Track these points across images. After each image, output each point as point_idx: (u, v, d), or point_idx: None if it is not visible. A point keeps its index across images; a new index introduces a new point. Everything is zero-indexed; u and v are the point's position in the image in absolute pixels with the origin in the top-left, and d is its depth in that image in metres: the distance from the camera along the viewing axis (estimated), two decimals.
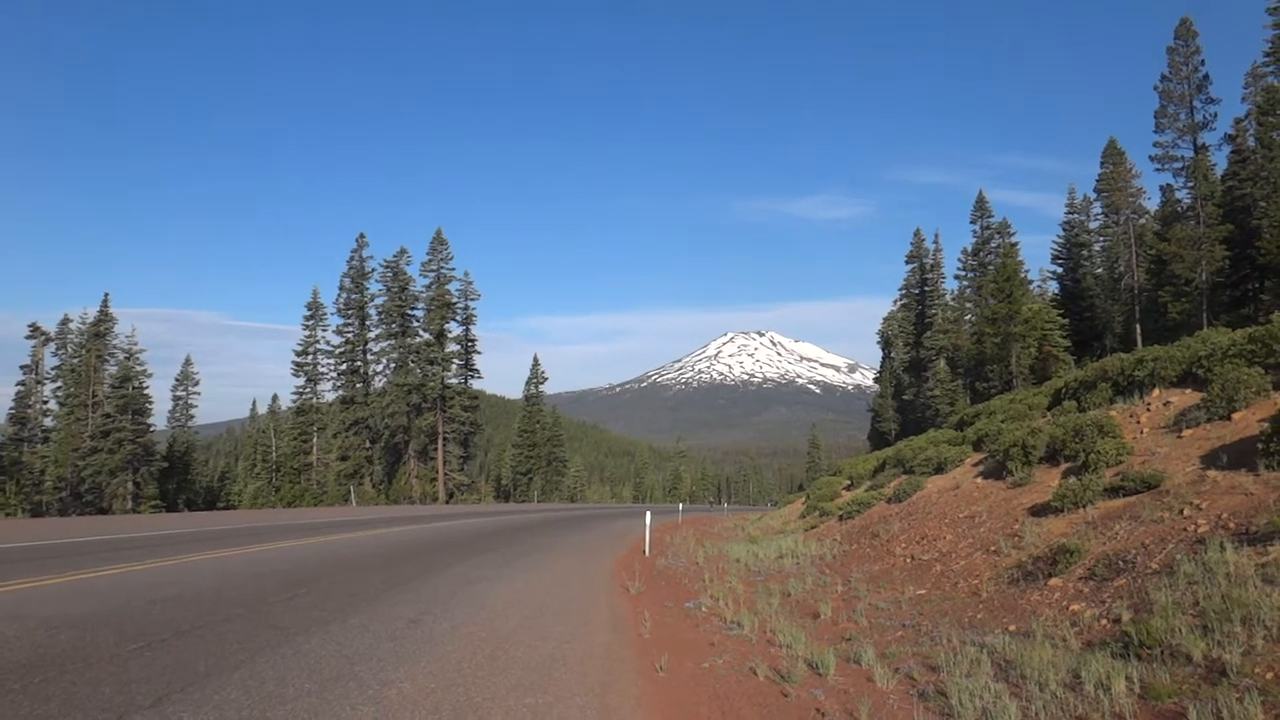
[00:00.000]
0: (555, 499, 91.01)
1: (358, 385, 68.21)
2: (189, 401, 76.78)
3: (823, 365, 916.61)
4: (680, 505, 70.85)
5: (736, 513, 57.67)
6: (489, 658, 7.88)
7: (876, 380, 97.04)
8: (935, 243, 76.91)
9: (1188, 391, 16.25)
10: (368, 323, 69.15)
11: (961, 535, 14.87)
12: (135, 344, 60.79)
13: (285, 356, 64.73)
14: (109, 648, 7.35)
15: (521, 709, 6.36)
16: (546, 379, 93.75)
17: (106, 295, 63.22)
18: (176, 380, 77.14)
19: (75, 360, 62.27)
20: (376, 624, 9.13)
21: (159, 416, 69.16)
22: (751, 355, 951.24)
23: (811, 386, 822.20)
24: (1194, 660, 6.83)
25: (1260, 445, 10.88)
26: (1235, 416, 13.32)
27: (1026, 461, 16.67)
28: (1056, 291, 63.67)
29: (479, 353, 75.20)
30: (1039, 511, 13.72)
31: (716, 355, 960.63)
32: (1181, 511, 10.47)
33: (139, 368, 59.89)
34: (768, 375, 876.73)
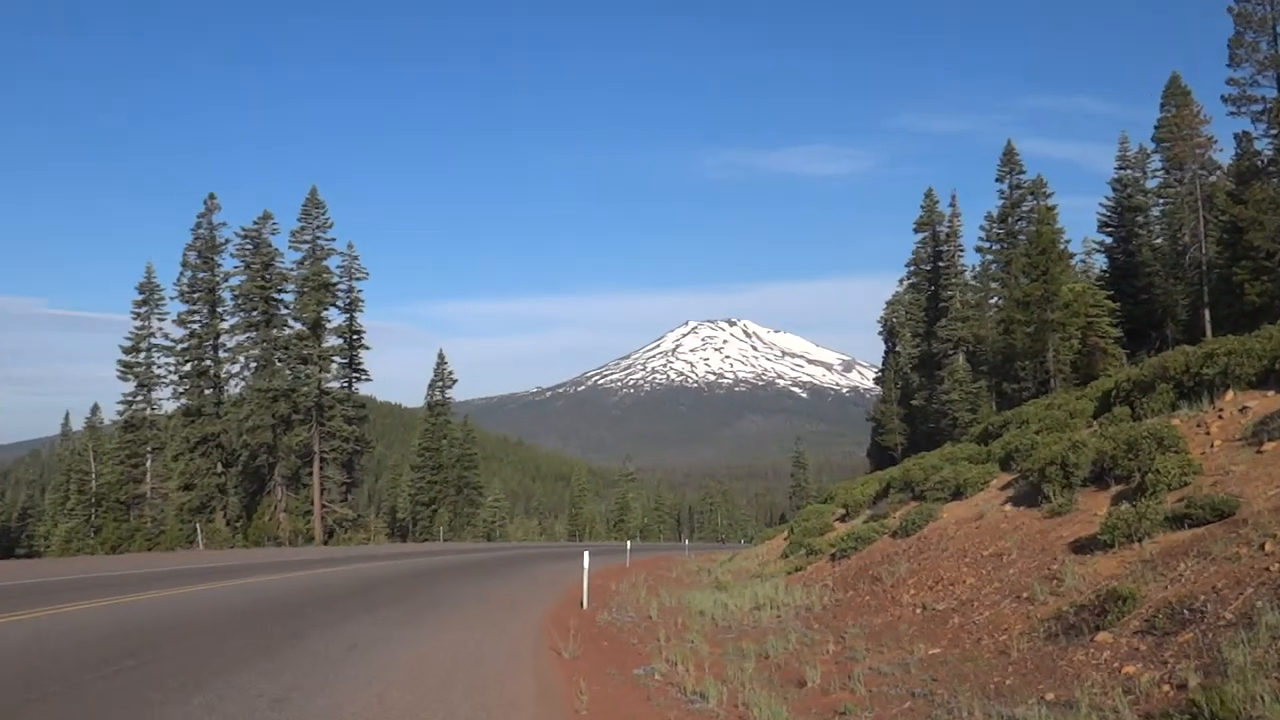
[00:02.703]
0: (468, 537, 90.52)
1: (206, 391, 67.03)
2: None
3: (810, 363, 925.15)
4: (629, 544, 70.83)
5: (701, 552, 57.75)
6: None
7: (878, 381, 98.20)
8: (952, 206, 77.64)
9: (1270, 394, 16.55)
10: (220, 309, 67.84)
11: (986, 578, 15.03)
12: None
13: (111, 355, 62.68)
14: None
15: None
16: (456, 381, 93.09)
17: None
18: None
19: None
20: (228, 704, 8.96)
21: None
22: (719, 350, 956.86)
23: (796, 389, 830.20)
24: None
25: None
26: None
27: (1067, 484, 16.90)
28: (1104, 268, 64.89)
29: (367, 348, 74.49)
30: (1083, 547, 13.91)
31: (675, 350, 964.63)
32: (1263, 546, 10.66)
33: None
34: (740, 375, 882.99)
